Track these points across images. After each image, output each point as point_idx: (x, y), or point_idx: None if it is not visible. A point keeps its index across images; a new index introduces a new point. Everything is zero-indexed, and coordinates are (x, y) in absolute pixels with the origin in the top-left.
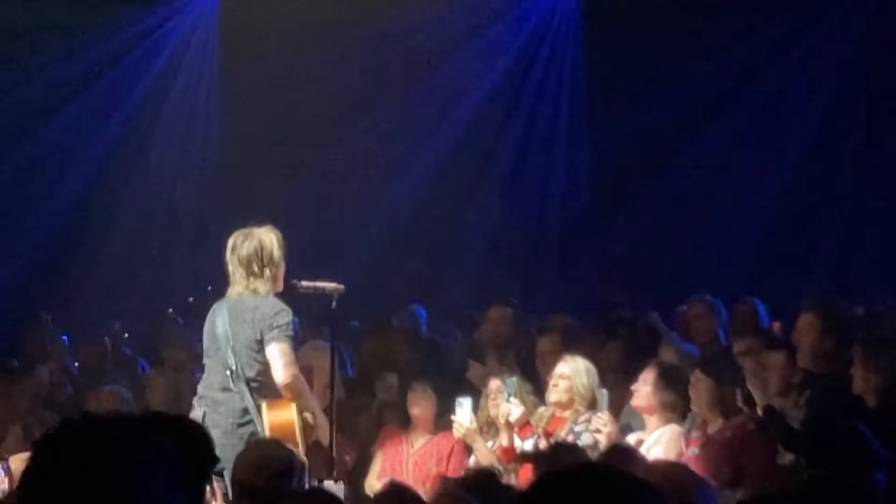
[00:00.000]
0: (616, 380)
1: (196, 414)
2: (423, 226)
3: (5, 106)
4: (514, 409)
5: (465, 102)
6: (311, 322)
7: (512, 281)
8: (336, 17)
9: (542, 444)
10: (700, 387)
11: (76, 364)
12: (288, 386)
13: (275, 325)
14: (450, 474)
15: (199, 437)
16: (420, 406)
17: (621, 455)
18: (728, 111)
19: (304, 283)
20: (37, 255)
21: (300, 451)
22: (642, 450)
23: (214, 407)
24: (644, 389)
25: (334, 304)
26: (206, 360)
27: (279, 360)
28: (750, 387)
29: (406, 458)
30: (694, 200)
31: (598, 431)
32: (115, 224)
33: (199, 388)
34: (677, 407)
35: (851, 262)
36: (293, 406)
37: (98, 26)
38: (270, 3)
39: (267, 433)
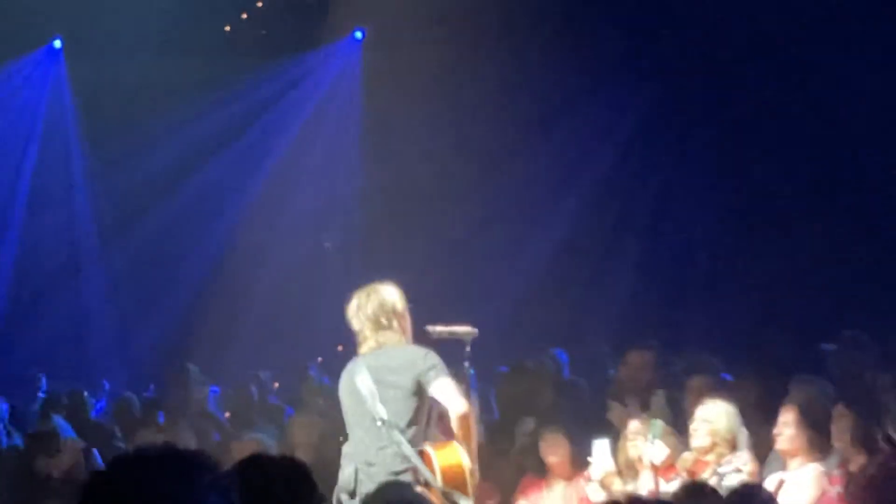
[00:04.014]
0: (755, 418)
1: (347, 472)
2: (566, 270)
3: (152, 164)
4: (658, 452)
5: (603, 148)
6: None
7: (655, 323)
8: (475, 66)
9: None
10: (843, 422)
11: (227, 415)
12: (464, 416)
13: (429, 366)
14: None
15: (301, 474)
16: (555, 454)
17: (747, 495)
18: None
19: (438, 329)
20: (186, 307)
21: (469, 494)
22: (783, 490)
23: (367, 468)
24: (787, 433)
25: (468, 347)
26: (349, 422)
27: (450, 392)
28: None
29: None
30: (844, 239)
31: (739, 471)
32: (261, 274)
33: (345, 449)
34: (820, 444)
35: None
36: (457, 448)
37: (244, 79)
38: (411, 53)
39: (439, 478)
